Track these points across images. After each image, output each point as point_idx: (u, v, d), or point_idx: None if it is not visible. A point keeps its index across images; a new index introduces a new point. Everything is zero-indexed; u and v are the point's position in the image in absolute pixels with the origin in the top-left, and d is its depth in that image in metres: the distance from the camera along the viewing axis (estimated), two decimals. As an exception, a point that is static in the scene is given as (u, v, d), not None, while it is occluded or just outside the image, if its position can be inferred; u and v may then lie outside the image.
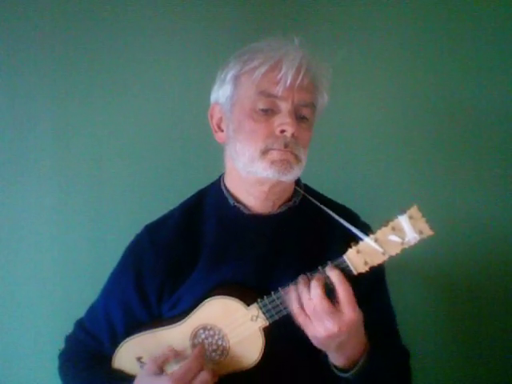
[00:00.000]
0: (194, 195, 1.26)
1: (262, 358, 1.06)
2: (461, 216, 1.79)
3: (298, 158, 1.09)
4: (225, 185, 1.20)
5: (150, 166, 1.73)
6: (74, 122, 1.71)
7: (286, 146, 1.06)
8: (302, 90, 1.08)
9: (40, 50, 1.67)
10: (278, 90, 1.06)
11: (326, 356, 1.07)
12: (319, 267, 1.01)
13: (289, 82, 1.05)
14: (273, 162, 1.07)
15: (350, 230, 1.02)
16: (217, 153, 1.20)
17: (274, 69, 1.06)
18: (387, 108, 1.77)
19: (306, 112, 1.10)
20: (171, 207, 1.26)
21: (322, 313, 0.96)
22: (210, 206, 1.21)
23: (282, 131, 1.06)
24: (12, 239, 1.71)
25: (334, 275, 0.98)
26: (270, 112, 1.08)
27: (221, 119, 1.17)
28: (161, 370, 1.04)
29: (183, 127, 1.72)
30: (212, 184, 1.25)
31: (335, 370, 1.07)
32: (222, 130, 1.17)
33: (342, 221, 1.07)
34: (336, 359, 1.05)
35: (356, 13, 1.74)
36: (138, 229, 1.24)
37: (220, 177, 1.23)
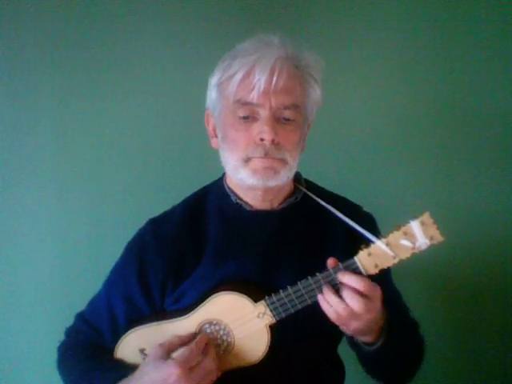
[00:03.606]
0: (197, 192, 1.26)
1: (266, 354, 1.06)
2: (460, 215, 1.81)
3: (283, 162, 1.09)
4: (227, 183, 1.21)
5: (149, 166, 1.75)
6: (74, 122, 1.72)
7: (266, 153, 1.06)
8: (279, 93, 1.06)
9: (40, 49, 1.68)
10: (253, 97, 1.05)
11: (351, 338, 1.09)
12: (331, 270, 1.00)
13: (262, 87, 1.04)
14: (255, 171, 1.08)
15: (361, 233, 1.02)
16: (217, 152, 1.20)
17: (249, 75, 1.06)
18: (389, 108, 1.80)
19: (288, 114, 1.08)
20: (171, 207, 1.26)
21: (357, 313, 0.97)
22: (212, 202, 1.21)
23: (262, 139, 1.06)
24: (12, 239, 1.70)
25: (347, 280, 0.98)
26: (250, 119, 1.08)
27: (215, 125, 1.18)
28: (167, 355, 1.02)
29: (182, 128, 1.73)
30: (215, 182, 1.26)
31: (363, 347, 1.08)
32: (217, 136, 1.18)
33: (350, 222, 1.06)
34: (369, 337, 1.06)
35: (356, 12, 1.77)
36: (137, 228, 1.24)
37: (223, 175, 1.24)
